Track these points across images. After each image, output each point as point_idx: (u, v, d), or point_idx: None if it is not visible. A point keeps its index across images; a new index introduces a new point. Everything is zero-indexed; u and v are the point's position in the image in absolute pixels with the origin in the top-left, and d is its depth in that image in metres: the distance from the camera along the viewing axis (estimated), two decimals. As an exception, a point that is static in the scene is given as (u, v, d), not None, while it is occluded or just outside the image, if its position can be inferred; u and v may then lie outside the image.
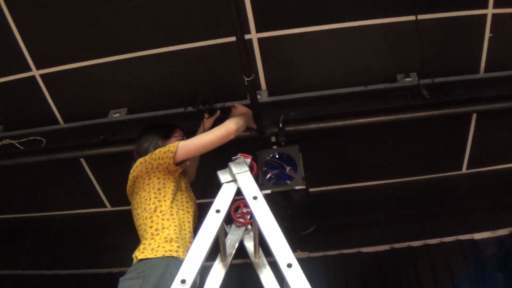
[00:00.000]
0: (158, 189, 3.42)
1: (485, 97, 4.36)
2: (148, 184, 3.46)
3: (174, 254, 3.13)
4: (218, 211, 3.04)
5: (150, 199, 3.39)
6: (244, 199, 3.14)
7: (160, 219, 3.29)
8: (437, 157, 5.23)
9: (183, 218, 3.42)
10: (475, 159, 5.23)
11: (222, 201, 3.11)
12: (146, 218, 3.34)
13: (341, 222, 5.38)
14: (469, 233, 5.15)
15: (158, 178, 3.46)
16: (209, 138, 3.58)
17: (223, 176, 3.26)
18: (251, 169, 3.32)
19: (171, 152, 3.45)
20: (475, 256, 5.03)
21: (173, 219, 3.30)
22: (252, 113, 4.04)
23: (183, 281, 2.70)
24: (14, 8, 4.30)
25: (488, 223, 5.17)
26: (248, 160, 3.36)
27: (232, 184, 3.21)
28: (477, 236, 5.12)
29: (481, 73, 4.57)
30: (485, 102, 4.39)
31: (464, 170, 5.33)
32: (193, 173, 4.23)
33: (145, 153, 3.64)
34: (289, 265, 2.77)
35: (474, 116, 4.86)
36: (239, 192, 3.15)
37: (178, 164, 3.50)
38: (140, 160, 3.57)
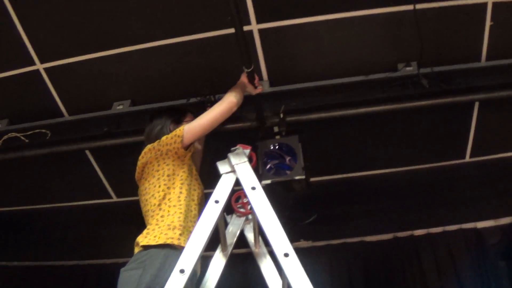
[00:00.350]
0: (168, 175, 3.43)
1: (486, 85, 4.37)
2: (158, 171, 3.47)
3: (176, 242, 3.14)
4: (217, 201, 3.09)
5: (159, 186, 3.41)
6: (242, 189, 3.18)
7: (167, 206, 3.31)
8: (440, 145, 5.22)
9: (189, 205, 3.42)
10: (478, 147, 5.21)
11: (221, 191, 3.16)
12: (155, 205, 3.36)
13: (344, 211, 5.39)
14: (472, 222, 5.15)
15: (167, 165, 3.47)
16: (213, 115, 3.61)
17: (222, 166, 3.32)
18: (250, 159, 3.37)
19: (178, 136, 3.46)
20: (478, 245, 5.02)
21: (180, 205, 3.30)
22: (246, 78, 3.93)
23: (182, 271, 2.74)
24: (17, 3, 4.35)
25: (491, 212, 5.16)
26: (247, 151, 3.41)
27: (231, 174, 3.27)
28: (480, 224, 5.12)
29: (483, 62, 4.55)
30: (487, 90, 4.39)
31: (467, 158, 5.31)
32: (198, 163, 4.20)
33: (156, 138, 3.63)
34: (286, 255, 2.79)
35: (477, 104, 4.85)
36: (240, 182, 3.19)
37: (186, 147, 3.52)
38: (149, 146, 3.57)
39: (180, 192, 3.36)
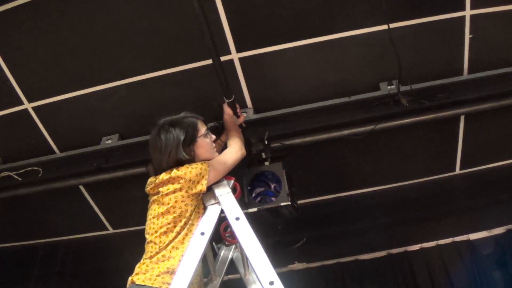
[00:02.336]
0: (179, 215, 3.24)
1: (471, 98, 4.42)
2: (174, 207, 3.24)
3: None
4: (203, 233, 3.13)
5: (168, 222, 3.23)
6: (226, 220, 3.21)
7: (171, 246, 3.19)
8: (429, 160, 5.27)
9: None
10: (467, 159, 5.26)
11: (207, 223, 3.20)
12: (160, 237, 3.23)
13: (336, 231, 5.41)
14: (465, 234, 5.16)
15: (186, 204, 3.27)
16: (232, 162, 3.55)
17: (207, 199, 3.35)
18: (234, 190, 3.39)
19: (205, 178, 3.31)
20: (472, 256, 5.04)
21: (183, 248, 3.19)
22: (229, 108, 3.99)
23: (170, 302, 2.79)
24: (2, 46, 4.44)
25: (483, 223, 5.19)
26: (231, 182, 3.44)
27: (216, 206, 3.30)
28: (473, 236, 5.14)
29: (465, 75, 4.60)
30: (471, 103, 4.45)
31: (457, 171, 5.35)
32: None
33: (167, 158, 3.38)
34: (271, 283, 2.79)
35: (463, 117, 4.89)
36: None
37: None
38: (166, 177, 3.29)
39: (186, 234, 3.24)
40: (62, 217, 5.85)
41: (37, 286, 6.08)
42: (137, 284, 3.08)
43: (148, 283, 3.05)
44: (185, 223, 3.23)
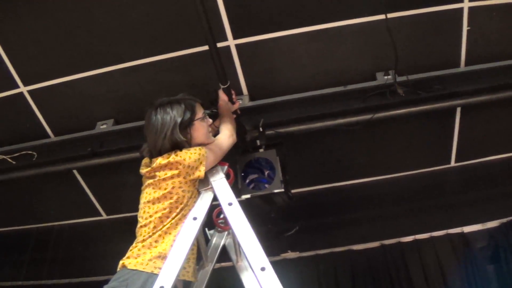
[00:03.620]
0: (176, 201, 3.21)
1: (467, 90, 4.41)
2: (171, 193, 3.21)
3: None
4: (195, 218, 3.12)
5: (164, 207, 3.20)
6: (219, 205, 3.20)
7: (163, 231, 3.18)
8: (425, 152, 5.28)
9: None
10: (463, 152, 5.26)
11: (199, 208, 3.19)
12: (154, 222, 3.20)
13: (330, 221, 5.41)
14: (459, 227, 5.17)
15: (183, 190, 3.24)
16: (226, 147, 3.56)
17: (201, 184, 3.33)
18: (228, 176, 3.38)
19: (203, 164, 3.28)
20: (465, 249, 5.06)
21: (175, 233, 3.16)
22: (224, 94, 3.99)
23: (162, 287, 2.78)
24: (-2, 29, 4.41)
25: (477, 216, 5.20)
26: (225, 167, 3.43)
27: (209, 191, 3.29)
28: (467, 229, 5.15)
29: (462, 67, 4.59)
30: (468, 95, 4.44)
31: (452, 163, 5.36)
32: None
33: (162, 139, 3.31)
34: (263, 269, 2.77)
35: (459, 109, 4.89)
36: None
37: None
38: (164, 162, 3.24)
39: (180, 219, 3.21)
40: (55, 202, 5.86)
41: (29, 271, 6.09)
42: (128, 269, 3.08)
43: (139, 268, 3.05)
44: (181, 209, 3.22)
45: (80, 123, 5.02)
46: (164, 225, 3.18)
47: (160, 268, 2.97)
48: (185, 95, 3.57)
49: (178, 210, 3.21)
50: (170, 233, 3.17)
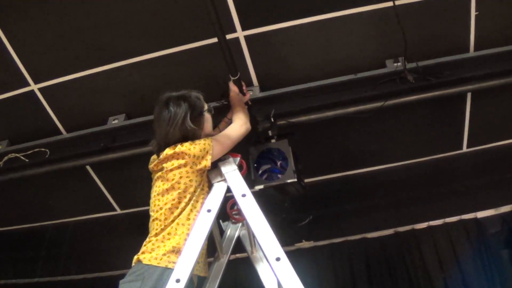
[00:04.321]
0: (184, 190, 3.25)
1: (477, 75, 4.40)
2: (178, 182, 3.26)
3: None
4: (209, 210, 3.14)
5: (173, 198, 3.24)
6: (233, 197, 3.22)
7: (176, 223, 3.20)
8: (436, 138, 5.26)
9: None
10: (474, 137, 5.25)
11: (213, 200, 3.21)
12: (165, 215, 3.24)
13: (344, 209, 5.42)
14: (472, 212, 5.15)
15: (190, 180, 3.27)
16: (237, 136, 3.58)
17: (213, 176, 3.36)
18: (240, 167, 3.39)
19: (208, 153, 3.31)
20: (479, 234, 5.02)
21: (188, 224, 3.20)
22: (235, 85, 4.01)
23: (177, 280, 2.82)
24: (6, 27, 4.45)
25: (490, 201, 5.18)
26: (237, 159, 3.44)
27: (222, 183, 3.31)
28: (480, 214, 5.13)
29: (471, 52, 4.59)
30: (478, 80, 4.42)
31: (464, 149, 5.35)
32: None
33: (173, 130, 3.36)
34: (278, 259, 2.80)
35: (469, 95, 4.88)
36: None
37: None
38: (170, 152, 3.28)
39: (191, 210, 3.25)
40: (69, 198, 5.90)
41: (45, 268, 6.13)
42: (143, 264, 3.11)
43: (154, 263, 3.08)
44: (190, 199, 3.24)
45: (91, 119, 5.06)
46: (175, 216, 3.21)
47: (174, 263, 3.01)
48: (190, 90, 3.62)
49: (186, 200, 3.23)
50: (183, 225, 3.19)
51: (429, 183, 5.34)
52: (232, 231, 3.79)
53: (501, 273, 4.80)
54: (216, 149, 3.36)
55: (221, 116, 4.02)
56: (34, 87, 4.86)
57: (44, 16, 4.38)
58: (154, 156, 3.53)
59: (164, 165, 3.30)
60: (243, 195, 3.15)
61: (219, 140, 3.45)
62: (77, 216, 6.13)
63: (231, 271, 4.77)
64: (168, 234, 3.18)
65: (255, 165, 4.11)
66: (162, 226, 3.21)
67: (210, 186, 3.35)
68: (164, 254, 3.09)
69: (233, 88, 3.97)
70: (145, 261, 3.10)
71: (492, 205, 5.17)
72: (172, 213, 3.21)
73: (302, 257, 5.12)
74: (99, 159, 4.90)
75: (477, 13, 4.34)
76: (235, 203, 3.60)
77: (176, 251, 3.09)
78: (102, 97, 4.95)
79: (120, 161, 4.94)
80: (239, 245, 3.77)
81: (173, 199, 3.23)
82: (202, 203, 3.28)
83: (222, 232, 3.76)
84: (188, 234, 3.12)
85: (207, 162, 3.28)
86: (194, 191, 3.27)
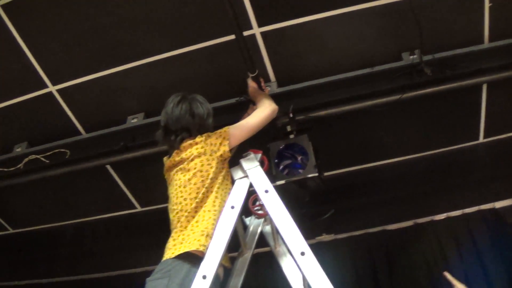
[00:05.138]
0: (211, 178, 3.30)
1: (492, 67, 4.40)
2: (201, 171, 3.31)
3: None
4: (233, 207, 3.18)
5: (199, 187, 3.29)
6: (255, 193, 3.25)
7: (202, 210, 3.24)
8: (453, 129, 5.26)
9: (222, 211, 3.30)
10: (491, 127, 5.24)
11: (236, 197, 3.24)
12: (191, 205, 3.26)
13: (363, 202, 5.45)
14: (491, 202, 5.17)
15: (211, 167, 3.32)
16: (259, 120, 3.63)
17: (236, 173, 3.38)
18: (262, 163, 3.42)
19: (225, 138, 3.40)
20: (497, 224, 5.05)
21: (214, 211, 3.23)
22: (253, 82, 4.06)
23: (204, 277, 2.88)
24: (23, 29, 4.50)
25: (508, 191, 5.19)
26: (259, 155, 3.46)
27: (245, 179, 3.33)
28: (498, 204, 5.15)
29: (486, 43, 4.58)
30: (493, 71, 4.44)
31: (481, 139, 5.34)
32: None
33: (198, 122, 3.52)
34: (302, 253, 2.85)
35: (485, 86, 4.88)
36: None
37: (230, 150, 3.46)
38: (190, 141, 3.39)
39: (216, 197, 3.29)
40: (89, 197, 5.95)
41: (67, 267, 6.22)
42: (171, 259, 3.12)
43: (186, 249, 3.09)
44: (213, 186, 3.31)
45: (110, 119, 5.10)
46: (200, 203, 3.25)
47: (205, 246, 3.05)
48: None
49: (210, 187, 3.29)
50: (209, 211, 3.23)
51: (447, 174, 5.35)
52: (255, 226, 3.81)
53: (519, 261, 4.82)
54: (235, 134, 3.44)
55: (242, 112, 4.08)
56: (52, 88, 4.91)
57: (60, 17, 4.43)
58: (165, 158, 3.61)
59: (183, 155, 3.38)
60: (266, 191, 3.18)
61: (236, 126, 3.53)
62: (97, 214, 6.17)
63: (254, 266, 4.81)
64: (196, 222, 3.21)
65: (276, 160, 4.14)
66: (189, 217, 3.24)
67: (233, 182, 3.38)
68: (195, 239, 3.11)
69: (252, 84, 4.02)
70: (175, 254, 3.11)
71: (510, 195, 5.18)
72: (197, 201, 3.25)
73: (323, 251, 5.14)
74: (119, 159, 4.94)
75: (491, 4, 4.34)
76: (257, 199, 3.65)
77: (206, 234, 3.12)
78: (120, 96, 4.98)
79: (140, 160, 4.97)
80: (261, 240, 3.79)
81: (197, 188, 3.28)
82: (227, 192, 3.34)
83: (245, 227, 3.79)
84: (215, 220, 3.18)
85: (225, 148, 3.37)
86: (216, 177, 3.33)
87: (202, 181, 3.29)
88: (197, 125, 3.50)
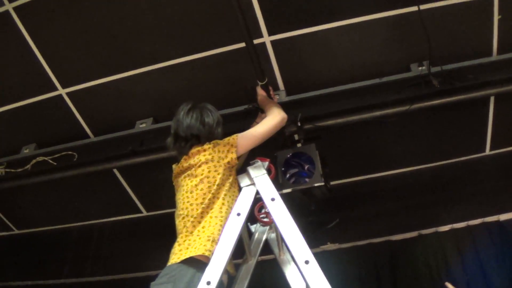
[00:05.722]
0: (217, 184, 3.34)
1: (499, 79, 4.39)
2: (208, 177, 3.36)
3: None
4: (239, 214, 3.20)
5: (205, 193, 3.33)
6: (262, 200, 3.27)
7: (209, 216, 3.27)
8: (459, 140, 5.27)
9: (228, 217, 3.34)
10: (498, 140, 5.25)
11: (243, 204, 3.27)
12: (197, 211, 3.29)
13: (368, 212, 5.43)
14: (495, 215, 5.13)
15: (218, 173, 3.37)
16: (268, 128, 3.66)
17: (242, 180, 3.41)
18: (269, 171, 3.44)
19: (232, 146, 3.45)
20: (502, 237, 5.00)
21: (221, 217, 3.26)
22: (262, 90, 4.13)
23: (208, 283, 2.89)
24: (34, 33, 4.55)
25: (513, 203, 5.18)
26: (266, 163, 3.49)
27: (251, 187, 3.36)
28: (503, 217, 5.10)
29: (494, 56, 4.59)
30: (501, 84, 4.42)
31: (487, 151, 5.35)
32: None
33: (208, 130, 3.59)
34: (307, 262, 2.86)
35: (492, 98, 4.89)
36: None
37: (238, 157, 3.51)
38: (198, 148, 3.47)
39: (223, 203, 3.32)
40: (96, 201, 5.98)
41: (71, 269, 6.21)
42: (176, 264, 3.15)
43: (193, 254, 3.12)
44: (219, 192, 3.35)
45: (119, 123, 5.13)
46: (207, 209, 3.29)
47: (211, 251, 3.08)
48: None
49: (216, 193, 3.33)
50: (215, 217, 3.26)
51: (453, 185, 5.34)
52: (260, 234, 3.83)
53: (524, 275, 4.80)
54: (243, 142, 3.49)
55: (251, 120, 4.13)
56: (62, 91, 4.95)
57: (72, 21, 4.48)
58: (174, 165, 3.64)
59: (191, 161, 3.43)
60: (272, 199, 3.22)
61: (245, 134, 3.57)
62: (103, 218, 6.22)
63: (258, 273, 4.82)
64: (202, 227, 3.24)
65: (283, 169, 4.15)
66: (195, 222, 3.27)
67: (240, 189, 3.40)
68: (201, 244, 3.14)
69: (261, 92, 4.05)
70: (181, 258, 3.13)
71: (515, 207, 5.17)
72: (204, 206, 3.29)
73: (327, 260, 5.11)
74: (126, 163, 4.96)
75: (499, 16, 4.36)
76: (262, 206, 3.67)
77: (212, 239, 3.14)
78: (130, 101, 5.02)
79: (147, 164, 4.99)
80: (266, 248, 3.81)
81: (204, 194, 3.32)
82: (234, 199, 3.37)
83: (250, 234, 3.80)
84: (222, 226, 3.21)
85: (233, 155, 3.42)
86: (223, 184, 3.37)
87: (209, 187, 3.33)
88: (206, 133, 3.55)
